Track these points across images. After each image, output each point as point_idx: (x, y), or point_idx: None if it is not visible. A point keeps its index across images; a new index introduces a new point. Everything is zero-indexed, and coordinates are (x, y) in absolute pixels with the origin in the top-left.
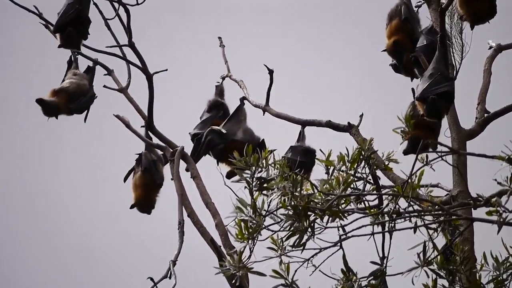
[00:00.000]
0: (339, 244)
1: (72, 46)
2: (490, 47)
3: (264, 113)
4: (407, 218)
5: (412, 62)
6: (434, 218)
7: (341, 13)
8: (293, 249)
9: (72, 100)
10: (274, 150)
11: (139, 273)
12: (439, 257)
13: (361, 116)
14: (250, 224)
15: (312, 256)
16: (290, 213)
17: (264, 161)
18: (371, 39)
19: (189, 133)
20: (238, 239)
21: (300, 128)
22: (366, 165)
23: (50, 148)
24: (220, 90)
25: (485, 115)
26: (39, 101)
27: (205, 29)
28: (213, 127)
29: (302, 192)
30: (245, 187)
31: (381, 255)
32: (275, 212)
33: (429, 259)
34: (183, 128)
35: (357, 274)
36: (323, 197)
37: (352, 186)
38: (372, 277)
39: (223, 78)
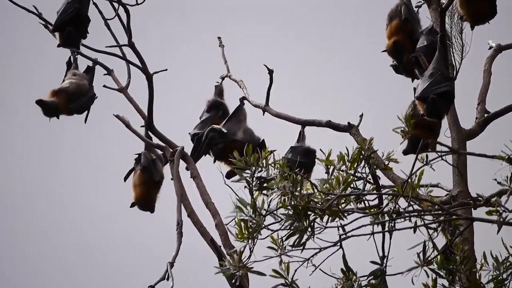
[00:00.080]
0: (339, 243)
1: (72, 45)
2: (490, 47)
3: (264, 113)
4: (407, 218)
5: (412, 63)
6: (434, 218)
7: (341, 13)
8: (293, 248)
9: (72, 100)
10: (274, 150)
11: (139, 273)
12: (439, 256)
13: (361, 116)
14: (250, 223)
15: (312, 256)
16: (290, 212)
17: (264, 161)
18: (371, 39)
19: (189, 133)
20: (238, 238)
21: (300, 128)
22: (366, 165)
23: (50, 148)
24: (219, 90)
25: (485, 115)
26: (39, 102)
27: (205, 29)
28: (214, 126)
29: (302, 191)
30: (245, 186)
31: (381, 255)
32: (275, 212)
33: (429, 258)
34: (183, 128)
35: (357, 274)
36: (323, 196)
37: (352, 185)
38: (372, 276)
39: (223, 78)
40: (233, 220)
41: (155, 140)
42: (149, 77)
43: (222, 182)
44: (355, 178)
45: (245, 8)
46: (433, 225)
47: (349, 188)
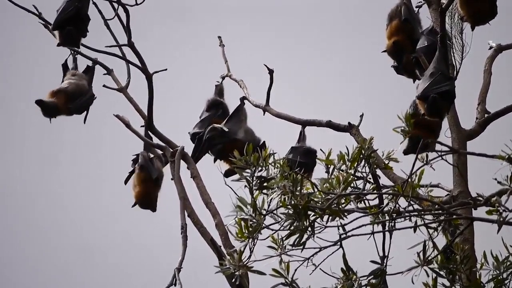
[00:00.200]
0: (339, 243)
1: (71, 45)
2: (490, 47)
3: (264, 113)
4: (407, 218)
5: (412, 63)
6: (434, 218)
7: (342, 14)
8: (293, 248)
9: (71, 100)
10: (274, 153)
11: (139, 273)
12: (439, 256)
13: (361, 116)
14: (250, 223)
15: (312, 255)
16: (290, 212)
17: (264, 160)
18: (371, 39)
19: (188, 132)
20: (238, 238)
21: (300, 128)
22: (366, 164)
23: (50, 148)
24: (219, 90)
25: (486, 115)
26: (39, 102)
27: (205, 29)
28: (215, 125)
29: (302, 191)
30: (245, 186)
31: (381, 254)
32: (275, 211)
33: (429, 258)
34: (183, 128)
35: (357, 273)
36: (323, 196)
37: (352, 185)
38: (372, 276)
39: (223, 78)
40: (234, 220)
41: (155, 140)
42: (149, 77)
43: (222, 182)
44: (355, 178)
45: (245, 8)
46: (433, 225)
47: (349, 188)
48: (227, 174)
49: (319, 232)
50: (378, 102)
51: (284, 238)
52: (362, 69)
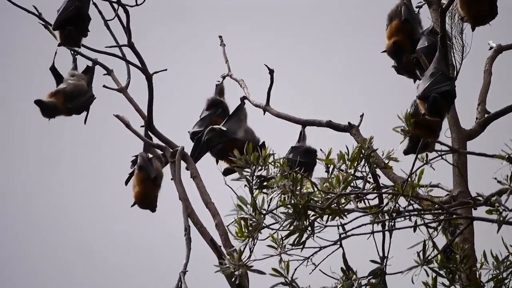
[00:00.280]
0: (339, 242)
1: (72, 44)
2: (491, 48)
3: (264, 113)
4: (407, 217)
5: (413, 63)
6: (434, 217)
7: (342, 14)
8: (293, 247)
9: (69, 100)
10: (274, 154)
11: (139, 273)
12: (439, 255)
13: (362, 116)
14: (250, 222)
15: (312, 255)
16: (290, 211)
17: (264, 160)
18: (371, 39)
19: (188, 131)
20: (238, 237)
21: (300, 128)
22: (366, 164)
23: (50, 148)
24: (220, 89)
25: (486, 115)
26: (38, 102)
27: (205, 29)
28: (213, 126)
29: (302, 190)
30: (245, 185)
31: (381, 254)
32: (275, 211)
33: (429, 257)
34: (183, 128)
35: (357, 273)
36: (323, 195)
37: (352, 184)
38: (372, 276)
39: (224, 77)
40: (234, 219)
41: (155, 140)
42: (149, 77)
43: (222, 182)
44: (355, 177)
45: (245, 8)
46: (433, 224)
47: (349, 187)
48: (226, 172)
49: (319, 232)
50: (378, 102)
51: (284, 238)
52: (362, 69)
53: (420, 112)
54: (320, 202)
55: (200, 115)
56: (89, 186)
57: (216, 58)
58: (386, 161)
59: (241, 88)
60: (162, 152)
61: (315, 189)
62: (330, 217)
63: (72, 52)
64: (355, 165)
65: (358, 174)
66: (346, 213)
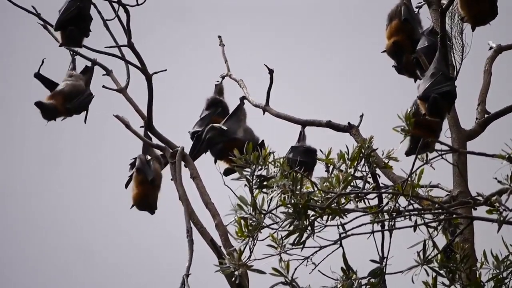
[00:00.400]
0: (339, 242)
1: (74, 45)
2: (490, 48)
3: (264, 113)
4: (407, 217)
5: (413, 63)
6: (434, 217)
7: (342, 14)
8: (293, 247)
9: (68, 101)
10: (273, 152)
11: (139, 273)
12: (439, 255)
13: (361, 116)
14: (250, 222)
15: (312, 254)
16: (290, 211)
17: (264, 159)
18: (371, 39)
19: (188, 131)
20: (238, 236)
21: (300, 128)
22: (366, 164)
23: (50, 148)
24: (219, 89)
25: (486, 115)
26: (38, 104)
27: (205, 29)
28: (214, 124)
29: (302, 190)
30: (245, 185)
31: (381, 254)
32: (275, 210)
33: (429, 257)
34: (182, 128)
35: (357, 273)
36: (323, 195)
37: (352, 184)
38: (372, 275)
39: (223, 77)
40: (234, 219)
41: (155, 141)
42: (149, 78)
43: (222, 183)
44: (355, 177)
45: (245, 8)
46: (433, 224)
47: (349, 187)
48: (226, 172)
49: (319, 231)
50: (378, 102)
51: (284, 237)
52: (362, 69)
53: (420, 112)
54: (320, 201)
55: (200, 115)
56: (89, 186)
57: (216, 58)
58: (386, 161)
59: (240, 88)
60: (161, 153)
61: (315, 188)
62: (330, 216)
63: (71, 53)
64: (355, 164)
65: (358, 174)
66: (346, 213)
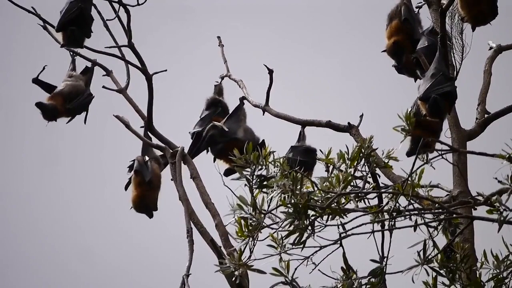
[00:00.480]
0: (339, 242)
1: (75, 45)
2: (490, 48)
3: (264, 113)
4: (407, 216)
5: (413, 63)
6: (434, 217)
7: (342, 14)
8: (293, 247)
9: (68, 101)
10: (274, 151)
11: (139, 273)
12: (439, 255)
13: (361, 116)
14: (250, 222)
15: (312, 254)
16: (290, 211)
17: (264, 159)
18: (371, 39)
19: (189, 132)
20: (238, 236)
21: (300, 128)
22: (366, 163)
23: (50, 148)
24: (219, 90)
25: (486, 115)
26: (38, 105)
27: (205, 29)
28: (215, 123)
29: (302, 190)
30: (245, 185)
31: (381, 253)
32: (275, 210)
33: (429, 257)
34: (182, 128)
35: (357, 272)
36: (323, 195)
37: (352, 184)
38: (372, 275)
39: (222, 78)
40: (234, 219)
41: (155, 141)
42: (149, 78)
43: (222, 183)
44: (355, 177)
45: (245, 8)
46: (434, 224)
47: (349, 187)
48: (227, 173)
49: (319, 231)
50: (378, 102)
51: (284, 237)
52: (362, 69)
53: (421, 113)
54: (320, 201)
55: (200, 115)
56: (89, 186)
57: (216, 58)
58: (386, 161)
59: (240, 88)
60: (162, 153)
61: (315, 188)
62: (330, 216)
63: (71, 53)
64: (354, 164)
65: (358, 173)
66: (346, 213)
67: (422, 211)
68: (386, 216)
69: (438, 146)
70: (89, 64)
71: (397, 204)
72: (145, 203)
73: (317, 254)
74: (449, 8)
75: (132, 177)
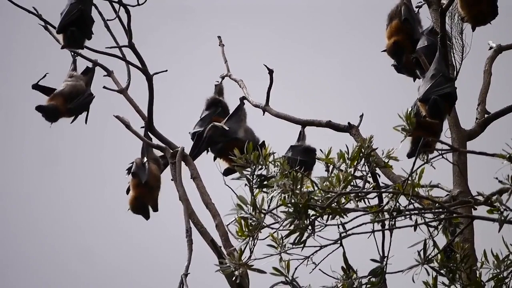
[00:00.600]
0: (339, 241)
1: (76, 47)
2: (490, 48)
3: (264, 113)
4: (407, 216)
5: (413, 63)
6: (435, 216)
7: (342, 14)
8: (293, 246)
9: (69, 101)
10: (274, 153)
11: (138, 273)
12: (439, 255)
13: (361, 116)
14: (250, 221)
15: (312, 254)
16: (290, 210)
17: (264, 159)
18: (371, 39)
19: (189, 132)
20: (239, 236)
21: (300, 128)
22: (366, 163)
23: (50, 148)
24: (219, 89)
25: (486, 115)
26: (39, 108)
27: (205, 29)
28: (215, 123)
29: (302, 189)
30: (246, 184)
31: (381, 253)
32: (275, 210)
33: (430, 257)
34: (183, 128)
35: (357, 272)
36: (323, 194)
37: (352, 184)
38: (372, 275)
39: (223, 78)
40: (234, 219)
41: (155, 141)
42: (149, 78)
43: (222, 183)
44: (355, 177)
45: (245, 8)
46: (434, 223)
47: (349, 186)
48: (227, 172)
49: (319, 231)
50: (378, 102)
51: (284, 237)
52: (362, 69)
53: (421, 114)
54: (320, 201)
55: (200, 115)
56: (89, 186)
57: (216, 58)
58: (386, 161)
59: (240, 88)
60: (162, 153)
61: (315, 188)
62: (331, 216)
63: (72, 54)
64: (355, 164)
65: (358, 173)
66: (346, 212)
67: (422, 211)
68: (386, 216)
69: (438, 146)
70: (90, 65)
71: (397, 204)
72: (143, 204)
73: (317, 253)
74: (449, 8)
75: (130, 180)
